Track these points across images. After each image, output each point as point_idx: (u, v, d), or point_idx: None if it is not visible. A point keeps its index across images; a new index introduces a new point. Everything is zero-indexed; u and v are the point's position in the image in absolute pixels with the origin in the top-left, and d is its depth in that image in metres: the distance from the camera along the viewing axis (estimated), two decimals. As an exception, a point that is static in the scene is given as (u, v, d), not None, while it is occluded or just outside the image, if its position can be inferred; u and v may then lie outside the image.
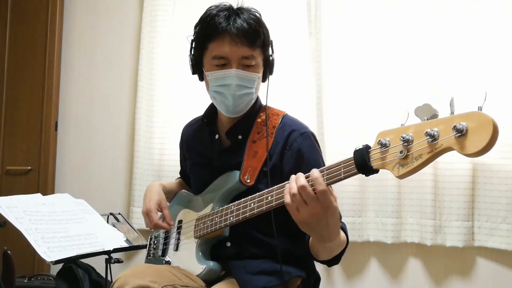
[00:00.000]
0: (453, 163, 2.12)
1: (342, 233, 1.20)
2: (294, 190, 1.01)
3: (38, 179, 2.68)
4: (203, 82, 1.39)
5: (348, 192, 2.25)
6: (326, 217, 1.01)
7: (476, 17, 2.15)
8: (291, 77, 2.36)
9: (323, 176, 1.00)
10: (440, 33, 2.19)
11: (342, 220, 1.31)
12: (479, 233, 2.13)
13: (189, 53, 1.37)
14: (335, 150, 2.28)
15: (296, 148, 1.31)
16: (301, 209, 1.01)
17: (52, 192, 2.66)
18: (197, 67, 1.36)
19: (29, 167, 2.70)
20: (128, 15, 2.73)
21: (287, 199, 1.03)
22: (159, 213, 1.45)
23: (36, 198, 1.58)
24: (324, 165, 1.32)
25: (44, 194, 1.64)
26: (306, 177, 1.02)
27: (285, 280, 1.25)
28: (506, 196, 2.06)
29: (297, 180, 1.02)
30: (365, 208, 2.26)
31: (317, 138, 1.40)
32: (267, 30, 1.33)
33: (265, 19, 1.37)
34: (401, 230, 2.23)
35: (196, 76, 1.40)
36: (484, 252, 2.16)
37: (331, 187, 1.03)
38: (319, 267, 1.41)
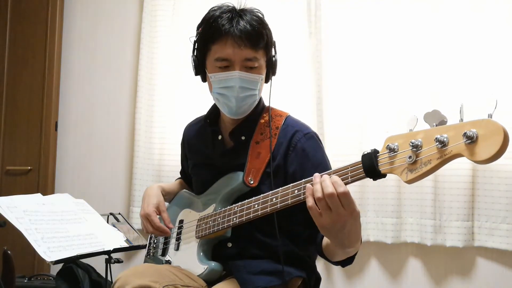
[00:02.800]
0: (453, 163, 2.08)
1: None
2: (319, 194, 0.96)
3: (38, 179, 2.68)
4: (206, 83, 1.38)
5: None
6: (350, 223, 0.98)
7: (479, 20, 2.14)
8: (291, 77, 2.36)
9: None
10: (440, 33, 2.19)
11: None
12: (479, 233, 2.13)
13: (191, 54, 1.36)
14: (335, 150, 2.27)
15: (300, 148, 1.30)
16: (324, 214, 0.97)
17: (52, 192, 2.66)
18: (200, 69, 1.36)
19: (29, 167, 2.70)
20: (128, 15, 2.73)
21: (310, 201, 0.98)
22: (158, 216, 1.44)
23: (36, 198, 1.58)
24: (329, 163, 1.32)
25: (44, 194, 1.64)
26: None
27: (285, 280, 1.25)
28: (506, 196, 2.06)
29: (323, 184, 0.97)
30: (365, 208, 2.26)
31: (317, 138, 1.40)
32: (270, 31, 1.33)
33: (265, 19, 1.36)
34: (401, 230, 2.23)
35: (196, 76, 1.40)
36: (484, 252, 2.16)
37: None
38: (319, 267, 1.41)
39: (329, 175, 0.99)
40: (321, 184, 0.97)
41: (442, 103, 2.13)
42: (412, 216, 2.21)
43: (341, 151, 2.26)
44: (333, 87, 2.33)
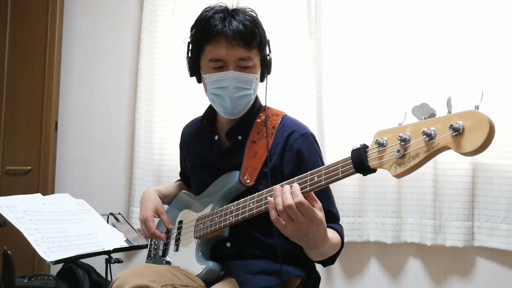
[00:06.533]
0: (453, 163, 2.12)
1: (335, 236, 1.21)
2: (280, 207, 1.01)
3: (38, 179, 2.68)
4: (202, 84, 1.39)
5: (348, 192, 2.25)
6: (312, 230, 1.03)
7: (475, 16, 2.15)
8: (291, 77, 2.36)
9: (316, 181, 1.03)
10: (439, 32, 2.19)
11: (340, 223, 1.31)
12: (479, 233, 2.13)
13: (186, 55, 1.37)
14: (335, 149, 2.28)
15: (296, 149, 1.30)
16: (288, 225, 1.03)
17: (52, 192, 2.66)
18: (195, 70, 1.36)
19: (29, 167, 2.70)
20: (128, 15, 2.73)
21: (273, 215, 1.04)
22: (157, 219, 1.44)
23: (36, 198, 1.58)
24: (323, 165, 1.32)
25: (44, 194, 1.64)
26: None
27: (284, 280, 1.25)
28: (506, 196, 2.06)
29: (283, 197, 1.02)
30: (365, 208, 2.26)
31: (317, 138, 1.41)
32: (263, 30, 1.33)
33: (265, 19, 1.36)
34: (401, 230, 2.23)
35: (191, 77, 1.40)
36: (484, 252, 2.16)
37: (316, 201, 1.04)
38: (319, 266, 1.41)
39: (291, 183, 1.05)
40: (282, 197, 1.02)
41: (443, 103, 2.13)
42: (412, 216, 2.21)
43: (341, 151, 2.25)
44: (333, 87, 2.32)
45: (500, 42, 2.11)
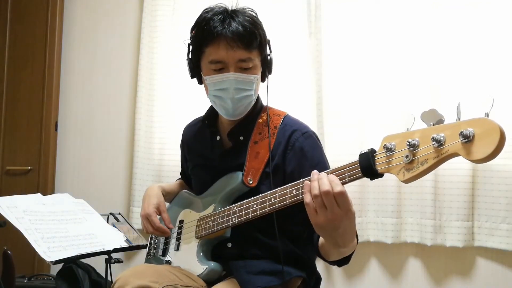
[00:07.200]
0: (453, 163, 2.08)
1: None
2: (316, 191, 0.96)
3: (38, 179, 2.68)
4: (202, 85, 1.39)
5: (348, 192, 2.23)
6: (344, 224, 0.97)
7: (475, 16, 2.15)
8: (291, 77, 2.37)
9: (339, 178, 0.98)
10: (438, 32, 2.19)
11: None
12: (479, 233, 2.13)
13: (186, 57, 1.37)
14: (335, 149, 2.27)
15: (299, 147, 1.30)
16: (320, 212, 0.96)
17: (52, 192, 2.66)
18: (195, 71, 1.36)
19: (29, 167, 2.70)
20: (128, 15, 2.73)
21: (307, 198, 0.98)
22: (158, 216, 1.44)
23: (36, 198, 1.58)
24: (327, 162, 1.32)
25: (44, 194, 1.64)
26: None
27: (285, 280, 1.25)
28: (506, 196, 2.06)
29: (320, 182, 0.96)
30: (365, 208, 2.26)
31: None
32: (263, 30, 1.33)
33: (265, 19, 1.36)
34: (401, 230, 2.23)
35: (192, 79, 1.40)
36: (484, 252, 2.16)
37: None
38: (319, 266, 1.41)
39: (327, 174, 0.99)
40: (319, 181, 0.97)
41: (443, 104, 2.13)
42: (412, 216, 2.21)
43: (341, 151, 2.25)
44: (333, 87, 2.32)
45: (500, 42, 2.11)
